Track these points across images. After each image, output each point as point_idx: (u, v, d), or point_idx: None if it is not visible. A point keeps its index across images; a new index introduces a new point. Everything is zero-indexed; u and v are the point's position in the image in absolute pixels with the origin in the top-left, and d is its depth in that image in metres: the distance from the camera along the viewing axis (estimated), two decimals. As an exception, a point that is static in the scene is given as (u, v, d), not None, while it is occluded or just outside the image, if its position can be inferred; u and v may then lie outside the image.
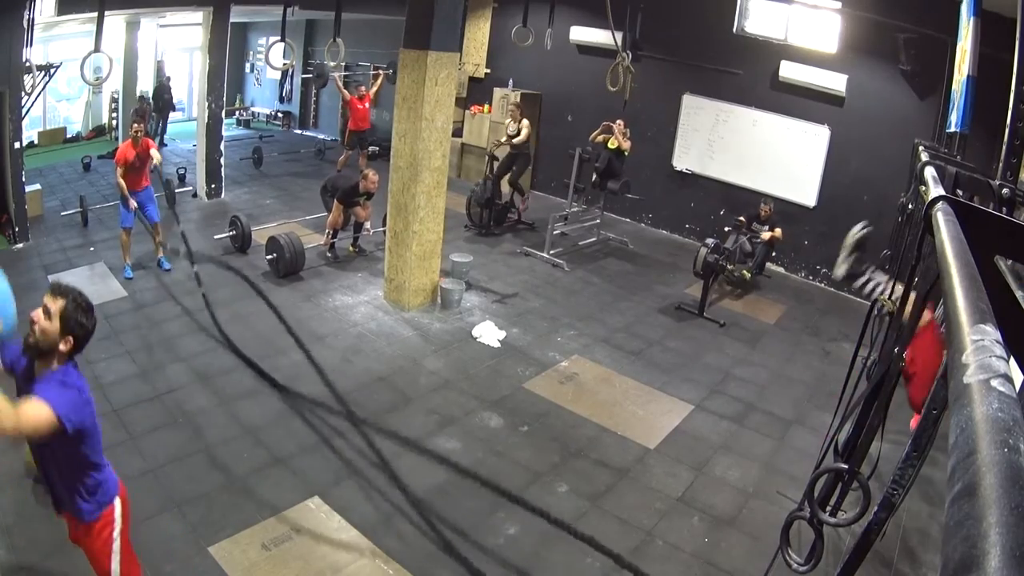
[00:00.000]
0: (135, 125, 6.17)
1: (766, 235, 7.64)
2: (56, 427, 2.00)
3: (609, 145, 8.11)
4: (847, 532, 3.38)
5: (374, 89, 10.42)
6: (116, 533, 2.46)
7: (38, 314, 2.07)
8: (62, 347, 2.08)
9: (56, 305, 2.05)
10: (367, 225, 7.30)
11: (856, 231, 3.75)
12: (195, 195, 9.22)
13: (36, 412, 1.95)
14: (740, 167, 8.66)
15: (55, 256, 6.83)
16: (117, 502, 2.46)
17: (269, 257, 6.63)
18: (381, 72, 10.72)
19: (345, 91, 10.05)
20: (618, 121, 8.08)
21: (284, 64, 9.77)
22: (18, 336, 2.14)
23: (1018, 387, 0.57)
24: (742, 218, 7.82)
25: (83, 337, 2.11)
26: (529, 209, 9.14)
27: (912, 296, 1.91)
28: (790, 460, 4.49)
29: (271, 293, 6.23)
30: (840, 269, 3.75)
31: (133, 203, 6.16)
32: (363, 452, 4.04)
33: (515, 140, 8.50)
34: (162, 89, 12.38)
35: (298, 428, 4.33)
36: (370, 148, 10.28)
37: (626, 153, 8.17)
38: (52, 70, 7.76)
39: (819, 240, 8.13)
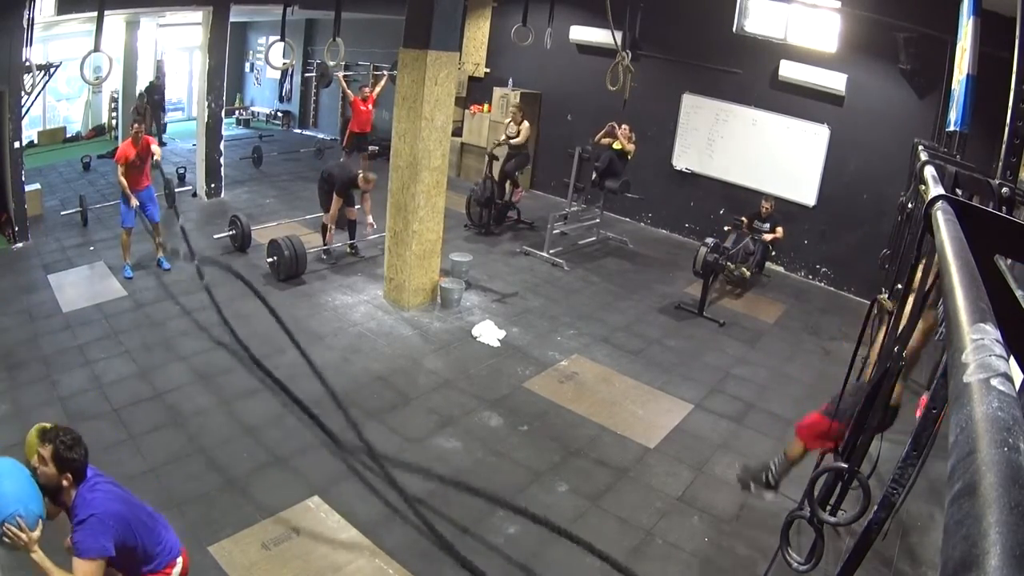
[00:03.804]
0: (135, 124, 6.20)
1: (768, 236, 7.63)
2: (105, 563, 2.25)
3: (613, 146, 8.09)
4: (847, 531, 3.39)
5: (377, 89, 10.34)
6: None
7: (35, 463, 2.27)
8: (64, 483, 2.28)
9: (47, 451, 2.24)
10: (370, 219, 7.03)
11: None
12: (195, 194, 9.22)
13: (85, 572, 2.18)
14: (740, 166, 8.65)
15: (55, 256, 6.82)
16: (179, 561, 2.56)
17: (270, 260, 6.61)
18: (385, 72, 10.66)
19: (349, 91, 10.05)
20: (623, 126, 8.05)
21: (284, 63, 9.76)
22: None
23: (1018, 386, 0.57)
24: (744, 217, 7.80)
25: (79, 468, 2.30)
26: (525, 204, 9.12)
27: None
28: (790, 459, 4.49)
29: (271, 293, 6.24)
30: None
31: (135, 200, 6.16)
32: (363, 451, 4.04)
33: (513, 141, 8.49)
34: (152, 89, 12.26)
35: (298, 428, 4.33)
36: (370, 148, 10.27)
37: (630, 156, 8.16)
38: (52, 69, 7.76)
39: (819, 239, 8.14)
